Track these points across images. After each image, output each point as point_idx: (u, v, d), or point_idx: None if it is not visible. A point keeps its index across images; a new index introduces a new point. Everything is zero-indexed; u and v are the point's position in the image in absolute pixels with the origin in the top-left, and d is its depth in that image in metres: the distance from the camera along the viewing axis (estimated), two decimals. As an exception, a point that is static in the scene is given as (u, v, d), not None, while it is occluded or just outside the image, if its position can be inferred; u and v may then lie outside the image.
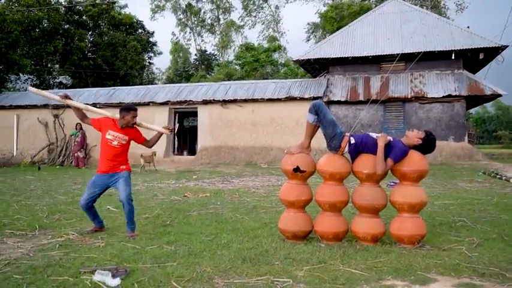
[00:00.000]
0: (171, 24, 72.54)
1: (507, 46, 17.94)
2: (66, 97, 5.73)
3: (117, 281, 3.62)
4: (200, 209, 7.43)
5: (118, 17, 36.42)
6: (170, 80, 43.61)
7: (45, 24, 31.17)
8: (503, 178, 12.66)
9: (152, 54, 41.94)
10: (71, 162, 19.56)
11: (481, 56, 18.84)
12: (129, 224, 5.45)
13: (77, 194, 9.37)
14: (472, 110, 39.38)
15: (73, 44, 33.13)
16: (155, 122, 20.57)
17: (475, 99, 19.67)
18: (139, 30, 39.87)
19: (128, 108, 5.69)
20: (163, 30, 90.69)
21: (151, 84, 37.18)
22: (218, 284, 3.66)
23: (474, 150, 18.99)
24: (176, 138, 22.33)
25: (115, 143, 5.56)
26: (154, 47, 41.51)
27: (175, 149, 22.16)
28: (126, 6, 39.01)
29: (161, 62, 76.88)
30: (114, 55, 34.91)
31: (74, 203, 8.00)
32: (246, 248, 4.73)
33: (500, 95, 18.59)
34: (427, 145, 4.89)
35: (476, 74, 20.61)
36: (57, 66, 34.85)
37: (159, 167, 17.64)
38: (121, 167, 5.65)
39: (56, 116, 21.26)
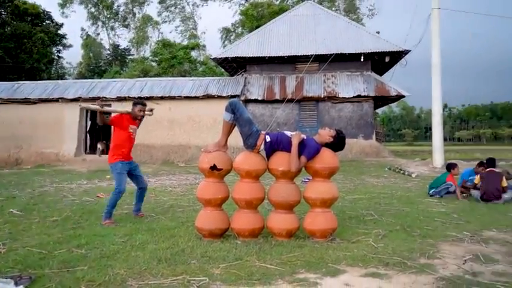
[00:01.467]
0: (83, 17, 69.07)
1: (410, 50, 19.27)
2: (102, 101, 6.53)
3: (20, 289, 3.39)
4: (114, 210, 7.16)
5: (22, 6, 34.04)
6: (82, 76, 41.66)
7: None
8: (406, 173, 13.60)
9: (61, 48, 39.77)
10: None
11: (387, 59, 20.07)
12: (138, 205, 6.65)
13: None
14: (379, 110, 41.78)
15: (-28, 34, 30.52)
16: (65, 118, 19.56)
17: (381, 100, 20.92)
18: (47, 22, 37.53)
19: (135, 103, 6.48)
20: (74, 23, 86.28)
21: (61, 79, 35.21)
22: (132, 286, 3.55)
23: (381, 147, 20.18)
24: (88, 137, 21.33)
25: (135, 134, 6.45)
26: (63, 39, 39.33)
27: (87, 148, 21.16)
28: None
29: (72, 57, 73.04)
30: (18, 47, 32.59)
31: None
32: (162, 248, 4.64)
33: (404, 96, 19.95)
34: (337, 143, 5.10)
35: (383, 76, 21.89)
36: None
37: (69, 167, 16.78)
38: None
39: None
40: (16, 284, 3.44)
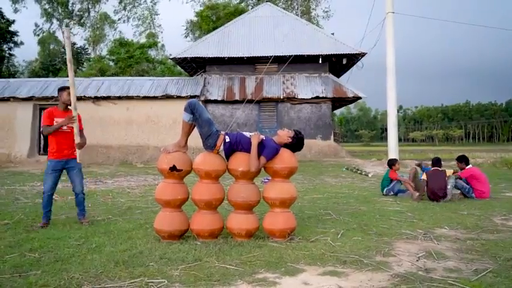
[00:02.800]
0: (36, 13, 66.72)
1: (366, 53, 19.70)
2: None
3: (-31, 296, 3.24)
4: (69, 212, 6.94)
5: (-29, 1, 32.61)
6: (35, 74, 40.20)
7: None
8: (363, 173, 13.91)
9: (12, 45, 38.24)
10: None
11: (344, 61, 20.48)
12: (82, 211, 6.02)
13: None
14: (337, 111, 42.60)
15: None
16: (17, 118, 18.87)
17: (339, 101, 21.30)
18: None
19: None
20: (26, 18, 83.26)
21: (13, 77, 33.87)
22: (88, 290, 3.46)
23: (339, 148, 20.54)
24: (42, 137, 20.62)
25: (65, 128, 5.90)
26: (15, 36, 37.85)
27: (41, 149, 20.45)
28: None
29: (24, 54, 70.35)
30: (-36, 44, 31.20)
31: None
32: (120, 250, 4.55)
33: (360, 98, 20.38)
34: (296, 143, 5.14)
35: (341, 78, 22.29)
36: None
37: (22, 168, 16.17)
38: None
39: None
40: (-37, 291, 3.29)
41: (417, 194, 8.27)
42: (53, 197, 6.44)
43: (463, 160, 8.85)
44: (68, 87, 5.96)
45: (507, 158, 18.16)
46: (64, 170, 6.08)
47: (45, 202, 5.89)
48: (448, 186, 8.09)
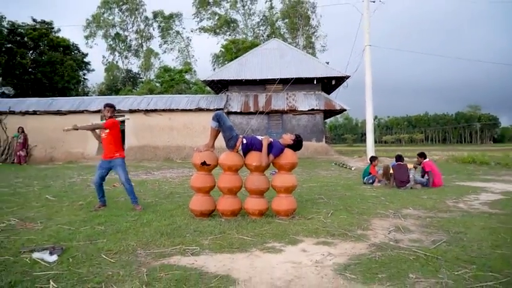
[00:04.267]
0: (103, 47, 67.80)
1: (349, 76, 19.56)
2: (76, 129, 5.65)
3: (54, 258, 3.29)
4: (126, 196, 7.01)
5: (56, 39, 33.16)
6: (102, 93, 40.67)
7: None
8: (348, 167, 13.79)
9: (86, 71, 38.76)
10: (13, 160, 17.30)
11: (333, 82, 20.32)
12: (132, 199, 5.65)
13: (18, 187, 8.35)
14: (328, 120, 42.25)
15: (15, 60, 29.41)
16: (89, 126, 19.06)
17: (329, 112, 21.13)
18: (75, 52, 36.61)
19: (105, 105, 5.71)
20: (96, 51, 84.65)
21: (86, 96, 34.34)
22: (141, 254, 3.49)
23: (329, 148, 20.39)
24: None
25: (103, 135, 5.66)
26: (88, 65, 38.41)
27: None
28: (59, 30, 35.44)
29: (94, 78, 71.41)
30: (53, 71, 31.70)
31: (16, 194, 7.12)
32: (164, 225, 4.58)
33: (345, 110, 20.22)
34: (296, 144, 5.13)
35: (331, 95, 22.13)
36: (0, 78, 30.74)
37: (92, 163, 16.35)
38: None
39: (-1, 121, 18.69)
40: (51, 253, 3.35)
41: (383, 182, 8.57)
42: (114, 184, 6.47)
43: (422, 155, 8.81)
44: (108, 105, 5.69)
45: (456, 156, 17.88)
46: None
47: (96, 191, 5.72)
48: (410, 176, 8.05)
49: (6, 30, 29.80)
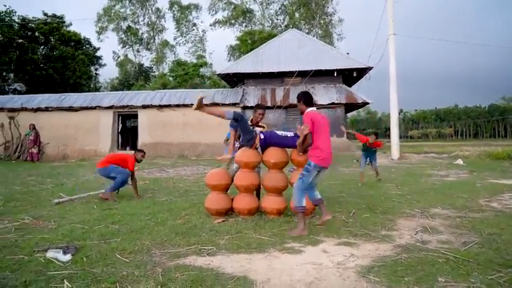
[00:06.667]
0: (115, 41, 69.05)
1: (372, 67, 19.26)
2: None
3: (68, 257, 3.38)
4: (140, 194, 7.13)
5: (67, 34, 33.84)
6: (114, 89, 41.37)
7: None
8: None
9: (98, 66, 39.48)
10: (26, 158, 17.84)
11: (355, 74, 20.06)
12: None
13: (31, 185, 8.59)
14: (349, 114, 41.79)
15: (27, 56, 30.20)
16: (101, 123, 19.45)
17: (351, 106, 20.89)
18: (87, 46, 37.31)
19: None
20: (108, 45, 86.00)
21: (98, 91, 35.02)
22: (155, 254, 3.55)
23: (350, 143, 20.18)
24: (120, 136, 21.25)
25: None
26: (99, 60, 39.09)
27: (119, 145, 21.07)
28: (70, 24, 36.14)
29: (106, 74, 72.56)
30: (64, 66, 32.38)
31: (29, 192, 7.33)
32: (179, 224, 4.64)
33: (368, 103, 19.94)
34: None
35: (352, 87, 21.87)
36: (11, 75, 31.59)
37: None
38: None
39: (12, 118, 19.25)
40: (64, 252, 3.44)
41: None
42: (128, 182, 6.69)
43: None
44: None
45: (489, 151, 17.41)
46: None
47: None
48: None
49: (17, 25, 30.58)
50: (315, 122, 4.36)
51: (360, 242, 3.90)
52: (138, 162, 6.95)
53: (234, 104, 18.78)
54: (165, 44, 47.67)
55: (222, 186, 5.10)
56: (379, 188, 7.76)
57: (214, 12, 44.35)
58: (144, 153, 6.97)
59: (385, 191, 7.27)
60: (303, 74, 19.20)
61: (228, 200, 5.12)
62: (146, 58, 51.43)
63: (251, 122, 5.34)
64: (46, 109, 19.69)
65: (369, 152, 8.88)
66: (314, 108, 4.56)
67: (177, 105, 19.54)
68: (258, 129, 5.21)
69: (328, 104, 19.27)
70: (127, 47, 48.20)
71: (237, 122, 4.96)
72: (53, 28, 32.20)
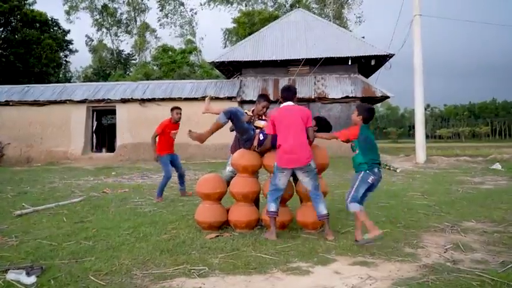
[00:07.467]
0: (87, 23, 68.99)
1: (394, 54, 19.27)
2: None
3: (32, 279, 3.37)
4: (119, 204, 7.14)
5: (31, 14, 33.81)
6: (88, 79, 41.41)
7: None
8: (391, 169, 13.58)
9: (68, 53, 39.50)
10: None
11: (373, 62, 20.08)
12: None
13: (-11, 193, 8.59)
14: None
15: (-19, 40, 30.29)
16: (72, 120, 19.45)
17: (368, 100, 20.86)
18: (54, 28, 37.31)
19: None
20: (79, 28, 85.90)
21: (69, 82, 35.05)
22: (137, 275, 3.55)
23: (368, 144, 20.18)
24: (94, 136, 21.25)
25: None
26: (70, 45, 39.11)
27: (94, 147, 21.08)
28: (35, 2, 36.12)
29: (78, 61, 72.47)
30: (27, 52, 32.37)
31: (-14, 202, 7.32)
32: (164, 239, 4.64)
33: (388, 97, 19.98)
34: (320, 126, 5.22)
35: (369, 78, 21.90)
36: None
37: (77, 164, 16.70)
38: None
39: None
40: (28, 274, 3.43)
41: None
42: (104, 190, 6.69)
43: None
44: (177, 108, 8.59)
45: (534, 154, 17.43)
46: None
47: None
48: None
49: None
50: (275, 122, 4.75)
51: (379, 261, 3.90)
52: (176, 122, 7.81)
53: (230, 98, 18.83)
54: (146, 26, 47.68)
55: (216, 195, 5.11)
56: (401, 197, 7.77)
57: None
58: (180, 109, 7.59)
59: (409, 201, 7.27)
60: (311, 63, 19.23)
61: (222, 211, 5.12)
62: (126, 43, 51.70)
63: (252, 113, 5.38)
64: (6, 103, 19.70)
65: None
66: (289, 103, 4.98)
67: (163, 99, 19.56)
68: (261, 123, 5.21)
69: (342, 98, 19.30)
70: (103, 29, 48.28)
71: (231, 121, 4.98)
72: (14, 7, 32.18)
